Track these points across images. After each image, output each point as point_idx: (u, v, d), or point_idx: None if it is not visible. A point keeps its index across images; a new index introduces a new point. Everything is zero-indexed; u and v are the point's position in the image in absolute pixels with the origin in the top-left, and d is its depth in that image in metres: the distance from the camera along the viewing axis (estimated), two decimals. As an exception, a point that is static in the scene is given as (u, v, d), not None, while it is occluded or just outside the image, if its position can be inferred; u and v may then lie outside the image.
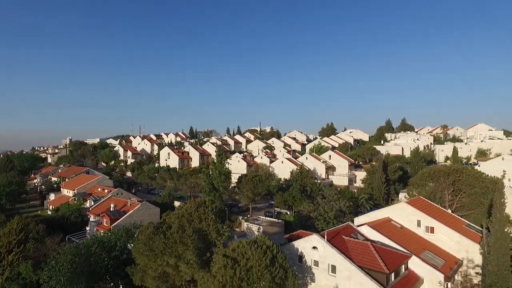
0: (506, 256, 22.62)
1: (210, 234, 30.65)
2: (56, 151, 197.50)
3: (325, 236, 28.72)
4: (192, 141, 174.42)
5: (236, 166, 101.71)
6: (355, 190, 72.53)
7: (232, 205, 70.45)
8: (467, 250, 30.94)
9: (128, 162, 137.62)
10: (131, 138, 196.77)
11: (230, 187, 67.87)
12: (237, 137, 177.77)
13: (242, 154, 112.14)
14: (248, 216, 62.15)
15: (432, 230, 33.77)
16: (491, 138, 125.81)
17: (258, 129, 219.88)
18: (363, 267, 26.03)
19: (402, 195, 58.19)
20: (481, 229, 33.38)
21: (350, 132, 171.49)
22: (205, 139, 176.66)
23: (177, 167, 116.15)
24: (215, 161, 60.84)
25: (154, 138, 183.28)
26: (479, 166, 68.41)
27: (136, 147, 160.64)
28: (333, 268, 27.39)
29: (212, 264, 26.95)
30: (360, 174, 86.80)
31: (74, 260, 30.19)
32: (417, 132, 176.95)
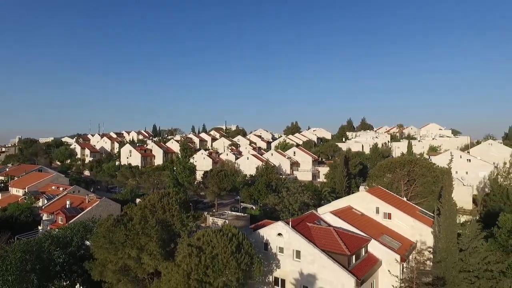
0: (454, 233, 24.48)
1: (174, 224, 29.95)
2: (3, 149, 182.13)
3: (290, 223, 29.23)
4: (155, 139, 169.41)
5: (202, 163, 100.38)
6: (319, 185, 74.67)
7: (197, 201, 69.41)
8: (420, 233, 33.05)
9: (86, 161, 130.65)
10: (89, 136, 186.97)
11: (195, 182, 66.88)
12: (203, 135, 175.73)
13: (207, 151, 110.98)
14: (214, 211, 61.61)
15: (389, 216, 35.67)
16: (441, 136, 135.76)
17: (224, 128, 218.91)
18: (326, 250, 26.83)
19: (362, 188, 60.84)
20: (432, 214, 35.86)
21: (313, 131, 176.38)
22: (169, 137, 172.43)
23: (140, 165, 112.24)
24: (179, 156, 59.53)
25: (115, 136, 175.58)
26: (430, 160, 73.44)
27: (94, 145, 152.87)
28: (298, 254, 27.94)
29: (177, 254, 26.35)
30: (323, 170, 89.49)
31: (24, 258, 28.04)
32: (375, 131, 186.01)
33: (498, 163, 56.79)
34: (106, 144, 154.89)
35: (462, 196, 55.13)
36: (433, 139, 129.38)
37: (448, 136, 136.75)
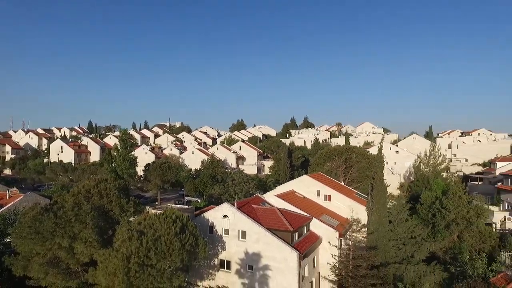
0: (385, 207, 26.83)
1: (112, 211, 28.09)
2: None
3: (236, 205, 29.32)
4: (91, 135, 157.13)
5: (143, 159, 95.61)
6: (264, 177, 76.20)
7: (138, 196, 65.85)
8: (356, 212, 35.46)
9: (7, 158, 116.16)
10: (11, 132, 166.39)
11: (136, 176, 63.57)
12: (144, 131, 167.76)
13: (149, 146, 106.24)
14: (156, 204, 59.16)
15: (329, 198, 37.80)
16: (374, 133, 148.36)
17: (168, 124, 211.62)
18: (270, 228, 27.44)
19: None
20: (367, 196, 38.91)
21: (258, 128, 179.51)
22: (107, 134, 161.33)
23: (73, 161, 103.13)
24: (118, 147, 55.98)
25: (43, 132, 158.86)
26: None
27: (18, 142, 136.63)
28: (243, 234, 28.14)
29: (115, 241, 24.71)
30: (268, 163, 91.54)
31: None
32: (317, 129, 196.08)
33: (421, 153, 63.61)
34: (32, 140, 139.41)
35: (391, 184, 60.92)
36: (367, 135, 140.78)
37: (380, 133, 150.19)
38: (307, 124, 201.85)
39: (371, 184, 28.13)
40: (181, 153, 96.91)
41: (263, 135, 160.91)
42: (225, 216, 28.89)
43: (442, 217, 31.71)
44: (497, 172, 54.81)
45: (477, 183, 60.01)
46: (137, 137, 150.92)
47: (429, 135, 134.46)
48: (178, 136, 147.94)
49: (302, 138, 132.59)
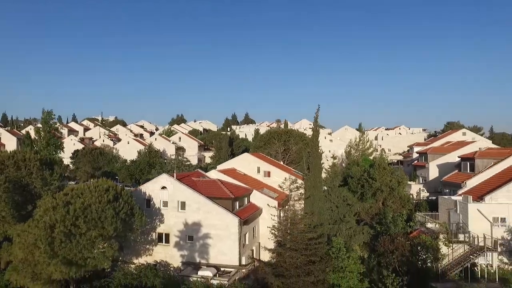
0: (320, 173, 28.46)
1: (33, 184, 25.09)
2: None
3: (175, 176, 28.42)
4: (7, 128, 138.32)
5: (71, 150, 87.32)
6: (204, 165, 75.14)
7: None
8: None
9: None
10: None
11: (63, 165, 57.70)
12: (73, 124, 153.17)
13: (78, 137, 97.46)
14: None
15: (269, 174, 38.78)
16: (311, 129, 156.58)
17: (100, 118, 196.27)
18: (210, 197, 27.15)
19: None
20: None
21: (199, 123, 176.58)
22: (26, 126, 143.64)
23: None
24: (40, 130, 50.16)
25: None
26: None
27: None
28: (183, 205, 27.37)
29: (35, 212, 22.15)
30: (209, 154, 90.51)
31: None
32: (257, 125, 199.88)
33: (352, 140, 68.95)
34: None
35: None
36: (304, 130, 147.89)
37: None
38: (248, 120, 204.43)
39: (308, 152, 29.57)
40: (114, 143, 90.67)
41: (204, 129, 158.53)
42: (163, 187, 27.77)
43: (370, 186, 34.73)
44: (414, 156, 61.87)
45: (398, 166, 66.98)
46: (64, 130, 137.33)
47: (359, 129, 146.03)
48: (112, 130, 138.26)
49: (243, 132, 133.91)
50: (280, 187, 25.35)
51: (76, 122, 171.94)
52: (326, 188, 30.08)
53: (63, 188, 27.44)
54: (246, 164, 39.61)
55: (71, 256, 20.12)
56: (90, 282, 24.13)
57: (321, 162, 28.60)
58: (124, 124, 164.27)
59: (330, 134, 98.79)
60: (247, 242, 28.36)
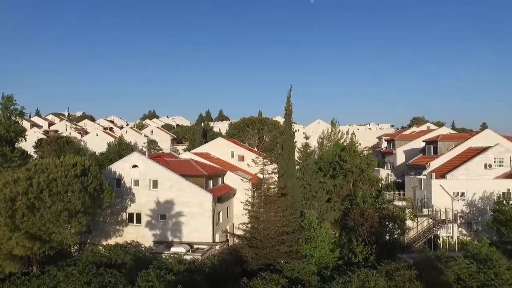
0: (292, 151, 28.90)
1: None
2: None
3: (146, 154, 27.78)
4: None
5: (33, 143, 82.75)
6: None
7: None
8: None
9: None
10: None
11: (25, 154, 54.58)
12: (36, 119, 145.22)
13: (42, 130, 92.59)
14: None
15: (242, 158, 38.85)
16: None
17: (66, 114, 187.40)
18: (183, 174, 26.78)
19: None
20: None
21: (172, 119, 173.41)
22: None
23: None
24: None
25: None
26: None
27: None
28: (155, 183, 26.81)
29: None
30: (182, 147, 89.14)
31: None
32: (232, 122, 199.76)
33: (324, 130, 70.62)
34: None
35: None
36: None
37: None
38: (223, 117, 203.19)
39: (281, 132, 29.95)
40: (82, 136, 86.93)
41: (177, 125, 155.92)
42: (134, 166, 27.05)
43: (341, 168, 35.75)
44: (383, 146, 64.36)
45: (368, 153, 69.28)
46: (26, 125, 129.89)
47: (332, 123, 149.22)
48: (79, 124, 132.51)
49: (218, 127, 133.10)
50: (254, 161, 25.45)
51: (40, 116, 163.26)
52: (299, 167, 30.61)
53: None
54: (220, 148, 39.47)
55: (34, 230, 19.12)
56: (55, 263, 23.05)
57: (294, 141, 29.05)
58: (92, 119, 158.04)
59: (303, 128, 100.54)
60: (221, 221, 28.26)
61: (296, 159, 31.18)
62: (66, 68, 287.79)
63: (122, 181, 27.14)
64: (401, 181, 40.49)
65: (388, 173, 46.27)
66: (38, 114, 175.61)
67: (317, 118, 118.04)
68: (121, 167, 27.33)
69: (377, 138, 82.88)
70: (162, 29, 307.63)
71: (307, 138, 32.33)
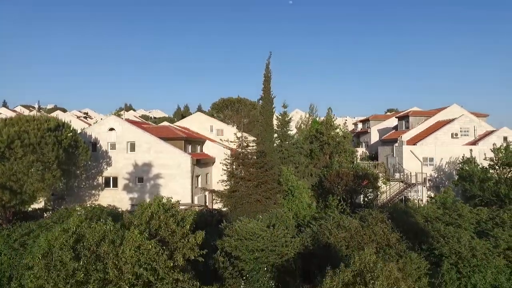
0: (271, 116, 29.32)
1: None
2: None
3: (124, 117, 27.38)
4: None
5: (2, 130, 78.88)
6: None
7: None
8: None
9: None
10: None
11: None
12: (3, 110, 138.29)
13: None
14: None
15: (222, 132, 39.06)
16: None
17: (37, 106, 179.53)
18: (162, 137, 26.64)
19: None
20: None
21: (149, 112, 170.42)
22: None
23: None
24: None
25: None
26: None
27: None
28: (132, 146, 26.49)
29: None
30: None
31: None
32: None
33: (302, 116, 72.25)
34: None
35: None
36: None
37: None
38: (201, 111, 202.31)
39: (258, 99, 30.34)
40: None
41: (154, 117, 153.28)
42: (111, 129, 26.60)
43: (317, 140, 36.63)
44: (358, 128, 66.41)
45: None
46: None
47: (310, 108, 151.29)
48: (51, 115, 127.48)
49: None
50: (235, 134, 25.80)
51: (8, 108, 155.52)
52: (277, 135, 31.14)
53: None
54: (199, 123, 39.45)
55: (4, 179, 18.48)
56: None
57: (273, 107, 29.53)
58: (64, 111, 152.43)
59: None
60: (199, 186, 28.30)
61: (275, 127, 31.76)
62: (37, 60, 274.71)
63: (98, 145, 26.62)
64: (374, 154, 42.10)
65: (363, 151, 47.87)
66: (5, 105, 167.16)
67: (295, 108, 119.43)
68: (96, 131, 26.79)
69: (353, 124, 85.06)
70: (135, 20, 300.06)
71: (285, 107, 32.91)
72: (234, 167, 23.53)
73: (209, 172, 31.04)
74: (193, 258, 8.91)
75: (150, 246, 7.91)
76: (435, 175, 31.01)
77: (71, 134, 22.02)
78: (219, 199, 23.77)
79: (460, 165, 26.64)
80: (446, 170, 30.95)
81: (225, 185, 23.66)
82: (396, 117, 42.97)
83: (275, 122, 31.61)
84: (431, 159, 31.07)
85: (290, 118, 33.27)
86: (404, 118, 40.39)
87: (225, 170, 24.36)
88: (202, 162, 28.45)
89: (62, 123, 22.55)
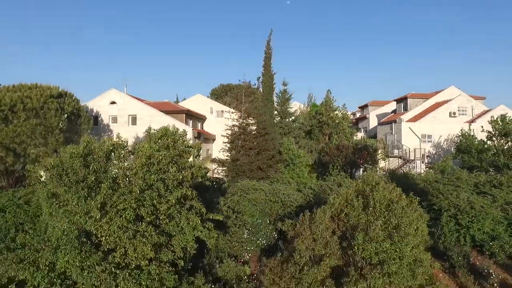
0: (271, 90, 29.63)
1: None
2: None
3: (125, 91, 27.53)
4: None
5: None
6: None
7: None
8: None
9: None
10: None
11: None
12: None
13: None
14: None
15: (222, 114, 39.04)
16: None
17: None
18: (163, 110, 26.81)
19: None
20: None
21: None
22: None
23: None
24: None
25: None
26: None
27: None
28: (134, 119, 26.68)
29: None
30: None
31: None
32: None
33: (300, 106, 72.76)
34: None
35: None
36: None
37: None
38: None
39: (258, 77, 30.62)
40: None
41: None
42: (112, 102, 26.74)
43: (317, 121, 36.93)
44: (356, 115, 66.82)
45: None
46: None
47: (309, 97, 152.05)
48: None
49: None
50: (233, 112, 26.04)
51: None
52: (277, 112, 31.40)
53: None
54: (198, 106, 39.49)
55: (7, 141, 18.59)
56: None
57: (273, 83, 29.78)
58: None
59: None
60: (201, 159, 28.48)
61: (275, 106, 32.02)
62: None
63: (100, 118, 26.78)
64: (373, 136, 42.46)
65: (362, 136, 48.18)
66: None
67: (294, 101, 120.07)
68: (98, 105, 26.92)
69: (351, 114, 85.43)
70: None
71: (285, 84, 33.17)
72: (236, 135, 23.75)
73: (209, 149, 31.26)
74: (200, 180, 9.14)
75: (161, 157, 8.11)
76: (433, 152, 31.35)
77: (74, 103, 22.11)
78: (221, 168, 23.93)
79: (458, 139, 26.97)
80: (445, 147, 31.29)
81: (227, 156, 23.87)
82: (394, 100, 43.29)
83: (275, 99, 31.92)
84: (430, 136, 31.40)
85: (290, 96, 33.47)
86: (402, 100, 40.70)
87: (226, 142, 24.58)
88: (203, 137, 28.66)
89: (64, 92, 22.65)
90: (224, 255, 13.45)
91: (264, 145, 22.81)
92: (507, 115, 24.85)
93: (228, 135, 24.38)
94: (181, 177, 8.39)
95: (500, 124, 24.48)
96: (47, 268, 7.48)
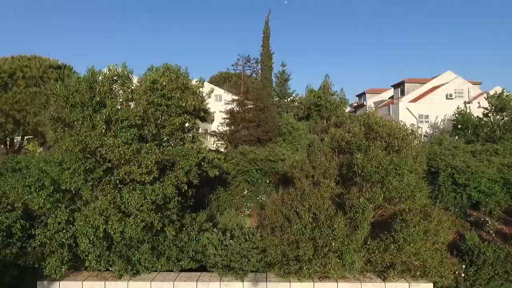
0: (269, 71, 29.71)
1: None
2: None
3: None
4: None
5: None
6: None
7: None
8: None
9: None
10: None
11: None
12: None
13: None
14: None
15: (220, 98, 39.16)
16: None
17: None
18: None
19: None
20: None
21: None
22: None
23: None
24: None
25: None
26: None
27: None
28: (133, 96, 26.68)
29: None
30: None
31: None
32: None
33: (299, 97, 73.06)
34: None
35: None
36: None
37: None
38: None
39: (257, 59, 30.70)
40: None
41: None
42: (111, 79, 26.74)
43: (316, 105, 37.12)
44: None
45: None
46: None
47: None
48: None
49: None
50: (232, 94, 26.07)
51: None
52: (275, 92, 31.56)
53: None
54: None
55: (7, 107, 18.61)
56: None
57: (272, 62, 29.94)
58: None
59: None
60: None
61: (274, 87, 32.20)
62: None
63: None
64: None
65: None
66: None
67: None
68: (97, 81, 26.91)
69: (348, 106, 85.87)
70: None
71: (283, 65, 33.30)
72: (235, 109, 23.84)
73: (208, 129, 31.32)
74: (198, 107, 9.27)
75: (165, 82, 8.22)
76: (431, 132, 31.64)
77: (74, 75, 22.13)
78: (220, 142, 24.02)
79: (455, 117, 27.27)
80: (441, 127, 31.58)
81: (226, 130, 23.96)
82: (391, 86, 43.60)
83: (274, 80, 32.09)
84: (427, 116, 31.70)
85: (289, 76, 33.62)
86: (399, 85, 41.00)
87: (225, 118, 24.66)
88: (202, 115, 28.71)
89: (63, 65, 22.67)
90: (225, 209, 13.64)
91: (264, 118, 22.93)
92: (504, 90, 25.18)
93: (227, 111, 24.48)
94: (184, 104, 8.51)
95: (497, 99, 24.79)
96: (52, 187, 7.57)
